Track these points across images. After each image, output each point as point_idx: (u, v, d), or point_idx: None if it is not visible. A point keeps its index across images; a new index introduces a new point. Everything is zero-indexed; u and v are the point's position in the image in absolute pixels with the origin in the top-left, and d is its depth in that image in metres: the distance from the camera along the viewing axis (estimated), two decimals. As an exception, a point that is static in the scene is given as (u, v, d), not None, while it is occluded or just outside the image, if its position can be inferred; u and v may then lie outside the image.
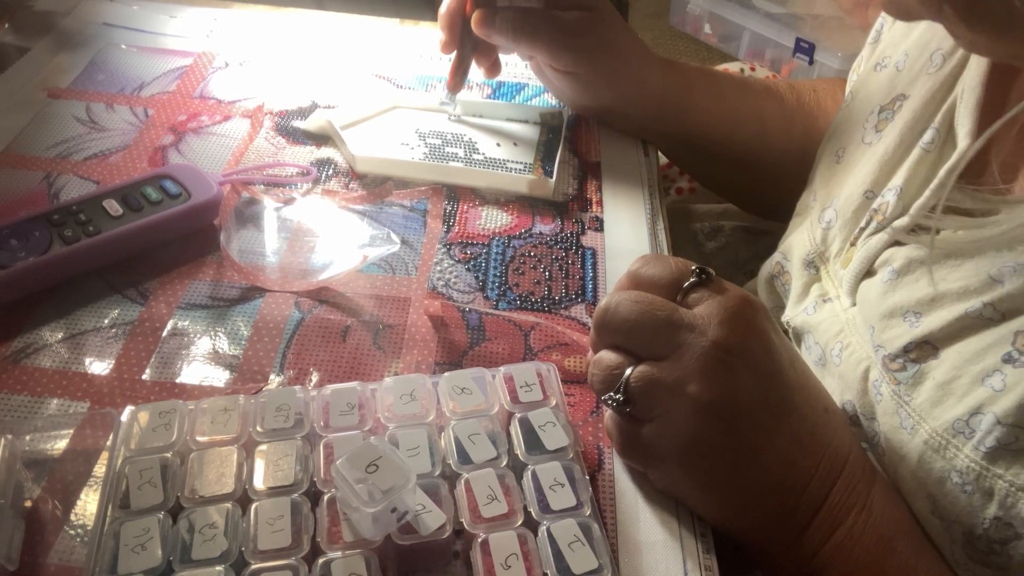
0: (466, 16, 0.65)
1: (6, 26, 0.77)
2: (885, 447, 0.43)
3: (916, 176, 0.48)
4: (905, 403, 0.42)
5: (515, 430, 0.43)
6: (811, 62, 1.93)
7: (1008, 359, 0.38)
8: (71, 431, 0.44)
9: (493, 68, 0.70)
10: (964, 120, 0.46)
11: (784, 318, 0.55)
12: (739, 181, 0.73)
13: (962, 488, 0.38)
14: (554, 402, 0.44)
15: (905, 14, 0.43)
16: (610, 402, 0.41)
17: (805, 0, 1.98)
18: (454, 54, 0.67)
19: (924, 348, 0.41)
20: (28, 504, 0.41)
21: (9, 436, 0.41)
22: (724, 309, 0.40)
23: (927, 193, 0.46)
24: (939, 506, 0.40)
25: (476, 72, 0.76)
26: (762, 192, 0.73)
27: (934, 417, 0.40)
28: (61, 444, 0.43)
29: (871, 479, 0.42)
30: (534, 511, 0.39)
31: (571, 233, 0.60)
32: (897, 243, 0.47)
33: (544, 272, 0.57)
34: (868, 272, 0.48)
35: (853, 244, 0.50)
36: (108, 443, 0.42)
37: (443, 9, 0.66)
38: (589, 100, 0.68)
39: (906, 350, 0.42)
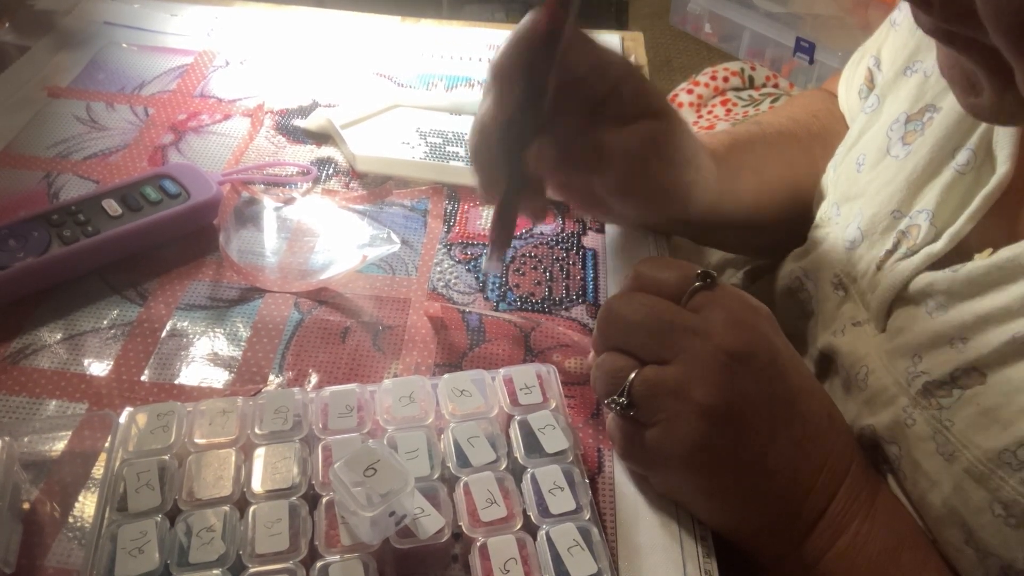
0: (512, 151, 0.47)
1: (6, 25, 0.76)
2: (909, 473, 0.42)
3: (949, 200, 0.45)
4: (945, 428, 0.40)
5: (515, 433, 0.42)
6: (811, 61, 1.93)
7: None
8: (69, 433, 0.44)
9: (542, 212, 0.53)
10: (1004, 143, 0.43)
11: (818, 344, 0.53)
12: (772, 240, 0.67)
13: (1005, 520, 0.37)
14: (554, 404, 0.44)
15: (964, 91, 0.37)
16: (613, 405, 0.41)
17: (805, 0, 1.98)
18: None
19: (971, 374, 0.40)
20: (26, 506, 0.41)
21: (7, 437, 0.41)
22: (729, 314, 0.40)
23: (962, 219, 0.43)
24: (975, 538, 0.39)
25: (479, 70, 0.76)
26: (789, 241, 0.65)
27: (976, 445, 0.38)
28: (59, 446, 0.43)
29: (875, 488, 0.42)
30: (533, 515, 0.39)
31: (572, 233, 0.60)
32: (929, 268, 0.44)
33: (545, 273, 0.56)
34: (903, 298, 0.46)
35: (879, 268, 0.48)
36: (106, 445, 0.42)
37: (474, 144, 0.49)
38: (657, 217, 0.58)
39: (953, 376, 0.40)
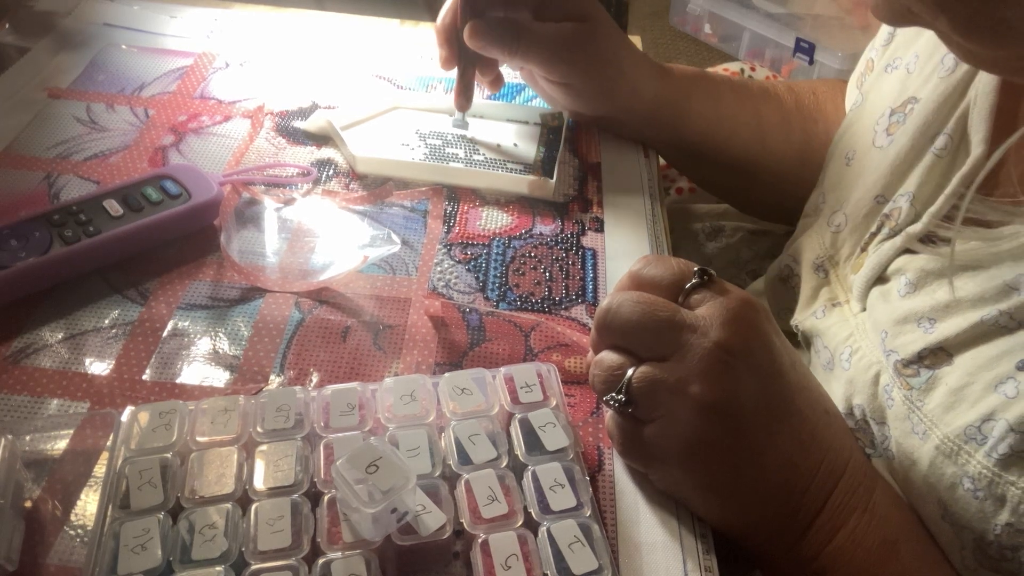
0: (460, 30, 0.63)
1: (6, 26, 0.77)
2: (895, 452, 0.43)
3: (929, 182, 0.47)
4: (917, 408, 0.41)
5: (515, 431, 0.43)
6: (811, 62, 1.93)
7: (1023, 367, 0.37)
8: (71, 431, 0.44)
9: (496, 82, 0.69)
10: (978, 127, 0.45)
11: (793, 321, 0.55)
12: (737, 184, 0.73)
13: (973, 494, 0.38)
14: (554, 403, 0.44)
15: (895, 18, 0.42)
16: (612, 403, 0.41)
17: (805, 0, 1.98)
18: (456, 71, 0.66)
19: (938, 354, 0.41)
20: (28, 504, 0.41)
21: (9, 436, 0.41)
22: (726, 310, 0.40)
23: (940, 200, 0.45)
24: (949, 512, 0.40)
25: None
26: (761, 194, 0.73)
27: (946, 423, 0.40)
28: (61, 444, 0.43)
29: (872, 483, 0.42)
30: (534, 512, 0.39)
31: (571, 234, 0.60)
32: (909, 250, 0.46)
33: (544, 273, 0.57)
34: (880, 278, 0.48)
35: (864, 250, 0.50)
36: (108, 443, 0.42)
37: (438, 23, 0.65)
38: (584, 109, 0.67)
39: (920, 356, 0.42)
